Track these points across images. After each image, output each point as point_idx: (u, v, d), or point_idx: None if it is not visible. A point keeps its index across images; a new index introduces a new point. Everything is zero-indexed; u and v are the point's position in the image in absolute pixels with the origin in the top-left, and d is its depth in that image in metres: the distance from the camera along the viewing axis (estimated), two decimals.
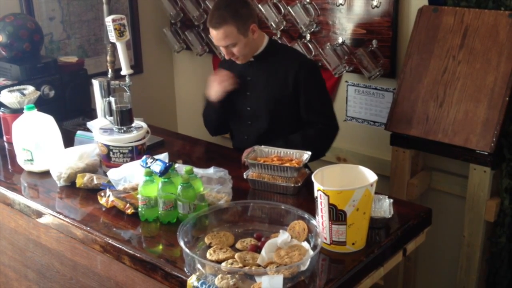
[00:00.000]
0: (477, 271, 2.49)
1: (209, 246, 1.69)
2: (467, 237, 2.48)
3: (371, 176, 1.70)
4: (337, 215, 1.62)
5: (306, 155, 2.09)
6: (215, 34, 2.30)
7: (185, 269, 1.60)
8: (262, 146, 2.17)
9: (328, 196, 1.61)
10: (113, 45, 2.44)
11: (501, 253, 2.48)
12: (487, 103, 2.33)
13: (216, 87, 2.39)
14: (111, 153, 2.16)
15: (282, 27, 3.04)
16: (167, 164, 1.86)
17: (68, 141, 2.36)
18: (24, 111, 2.26)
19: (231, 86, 2.39)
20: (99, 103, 2.47)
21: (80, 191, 2.09)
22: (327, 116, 2.40)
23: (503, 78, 2.30)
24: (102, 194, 1.97)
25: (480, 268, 2.51)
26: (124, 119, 2.21)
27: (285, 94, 2.37)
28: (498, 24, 2.35)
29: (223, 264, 1.57)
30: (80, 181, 2.08)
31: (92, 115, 2.73)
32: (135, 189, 1.96)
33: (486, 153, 2.31)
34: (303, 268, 1.54)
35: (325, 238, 1.67)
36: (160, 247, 1.76)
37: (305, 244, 1.65)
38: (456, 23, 2.45)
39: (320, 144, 2.37)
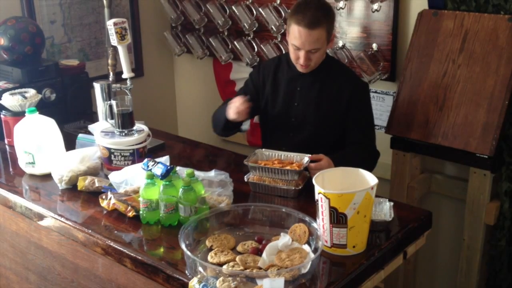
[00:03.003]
0: (477, 274, 2.50)
1: (210, 249, 1.69)
2: (467, 240, 2.48)
3: (372, 179, 1.71)
4: (337, 218, 1.63)
5: (307, 158, 2.09)
6: (305, 36, 2.13)
7: (186, 272, 1.61)
8: (263, 150, 2.18)
9: (329, 199, 1.61)
10: (114, 49, 2.45)
11: (501, 256, 2.48)
12: (487, 106, 2.33)
13: (233, 115, 2.24)
14: (112, 156, 2.16)
15: (283, 30, 3.05)
16: (169, 167, 1.86)
17: (70, 144, 2.36)
18: (25, 114, 2.27)
19: (246, 116, 2.25)
20: (100, 106, 2.47)
21: (81, 194, 2.09)
22: (373, 140, 2.36)
23: (503, 81, 2.31)
24: (104, 197, 1.97)
25: (480, 271, 2.51)
26: (125, 122, 2.21)
27: (336, 110, 2.29)
28: (498, 28, 2.35)
29: (224, 267, 1.58)
30: (82, 184, 2.08)
31: (93, 118, 2.73)
32: (136, 192, 1.96)
33: (486, 157, 2.31)
34: (304, 271, 1.55)
35: (326, 241, 1.67)
36: (162, 249, 1.76)
37: (306, 247, 1.65)
38: (456, 27, 2.46)
39: (368, 167, 2.27)
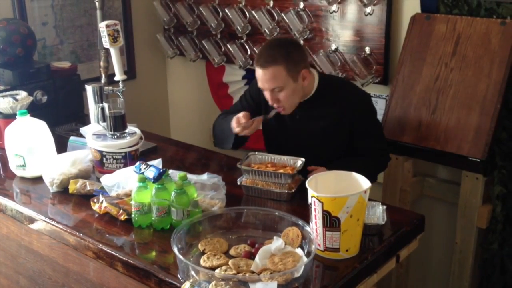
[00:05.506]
0: (469, 278, 2.50)
1: (203, 253, 1.68)
2: (459, 243, 2.49)
3: (365, 183, 1.71)
4: (331, 222, 1.62)
5: (300, 161, 2.09)
6: (261, 74, 2.11)
7: (178, 276, 1.60)
8: (256, 153, 2.17)
9: (322, 202, 1.61)
10: (107, 51, 2.44)
11: (493, 260, 2.49)
12: (479, 110, 2.34)
13: (238, 131, 2.18)
14: (104, 159, 2.15)
15: (276, 33, 3.05)
16: (161, 170, 1.85)
17: (61, 146, 2.35)
18: (16, 116, 2.25)
19: (250, 132, 2.19)
20: (92, 108, 2.46)
21: (72, 197, 2.08)
22: (382, 148, 2.32)
23: (495, 85, 2.32)
24: (95, 200, 1.96)
25: (472, 275, 2.52)
26: (118, 124, 2.20)
27: (339, 131, 2.25)
28: (490, 32, 2.37)
29: (217, 270, 1.57)
30: (73, 187, 2.07)
31: (85, 121, 2.72)
32: (128, 195, 1.95)
33: (478, 160, 2.32)
34: (297, 274, 1.54)
35: (319, 245, 1.67)
36: (154, 253, 1.75)
37: (299, 251, 1.65)
38: (449, 31, 2.47)
39: (374, 174, 2.27)
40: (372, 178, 2.13)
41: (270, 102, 2.19)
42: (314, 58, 2.91)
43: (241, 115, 2.18)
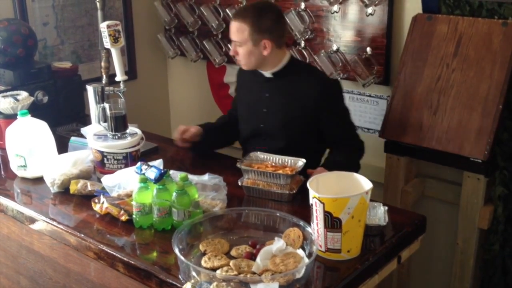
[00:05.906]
0: (470, 278, 2.50)
1: (204, 254, 1.68)
2: (460, 244, 2.48)
3: (366, 184, 1.70)
4: (332, 223, 1.62)
5: (301, 162, 2.09)
6: (231, 24, 2.26)
7: (179, 277, 1.59)
8: (258, 152, 2.17)
9: (323, 203, 1.61)
10: (108, 51, 2.43)
11: (495, 261, 2.49)
12: (480, 111, 2.34)
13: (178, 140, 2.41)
14: (105, 159, 2.15)
15: None
16: (162, 171, 1.85)
17: (62, 147, 2.35)
18: (17, 116, 2.25)
19: (185, 144, 2.41)
20: (93, 109, 2.46)
21: (73, 198, 2.08)
22: (353, 135, 2.37)
23: (497, 86, 2.32)
24: (96, 200, 1.96)
25: (474, 275, 2.51)
26: (119, 125, 2.20)
27: (305, 114, 2.28)
28: (492, 32, 2.36)
29: (218, 271, 1.57)
30: (74, 187, 2.07)
31: (86, 121, 2.72)
32: (129, 195, 1.95)
33: (480, 161, 2.32)
34: (298, 275, 1.54)
35: (320, 246, 1.67)
36: (155, 254, 1.75)
37: (300, 252, 1.64)
38: (450, 31, 2.47)
39: (357, 164, 2.32)
40: (358, 166, 2.30)
41: (230, 52, 2.32)
42: (315, 59, 2.91)
43: (192, 129, 2.42)
